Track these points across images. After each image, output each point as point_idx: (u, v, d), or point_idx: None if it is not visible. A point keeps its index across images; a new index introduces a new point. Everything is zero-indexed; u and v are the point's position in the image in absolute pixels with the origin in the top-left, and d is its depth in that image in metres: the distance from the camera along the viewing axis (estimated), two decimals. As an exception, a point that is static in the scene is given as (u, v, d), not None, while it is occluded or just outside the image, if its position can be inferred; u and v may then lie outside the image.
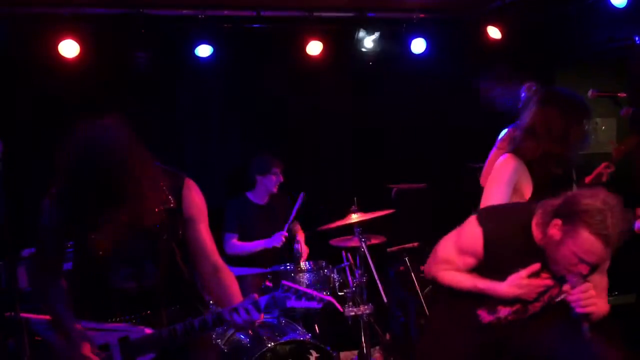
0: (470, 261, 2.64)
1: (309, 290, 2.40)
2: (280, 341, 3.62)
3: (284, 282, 2.42)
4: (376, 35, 5.12)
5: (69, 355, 2.39)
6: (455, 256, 2.68)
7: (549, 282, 2.51)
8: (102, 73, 4.65)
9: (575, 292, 2.39)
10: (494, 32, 5.19)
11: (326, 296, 2.43)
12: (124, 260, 2.43)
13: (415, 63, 5.37)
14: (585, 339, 2.42)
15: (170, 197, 2.44)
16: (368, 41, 5.15)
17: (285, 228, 4.62)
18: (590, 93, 3.72)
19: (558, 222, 2.42)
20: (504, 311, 2.63)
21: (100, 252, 2.40)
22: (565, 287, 2.45)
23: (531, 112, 3.29)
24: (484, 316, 2.66)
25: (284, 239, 4.59)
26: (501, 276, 2.56)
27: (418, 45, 5.28)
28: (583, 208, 2.35)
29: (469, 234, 2.64)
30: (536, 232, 2.52)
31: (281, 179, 4.76)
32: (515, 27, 5.17)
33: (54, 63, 4.57)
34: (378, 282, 4.29)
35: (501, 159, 3.33)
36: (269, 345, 3.58)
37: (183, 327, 2.39)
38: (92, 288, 2.48)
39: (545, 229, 2.46)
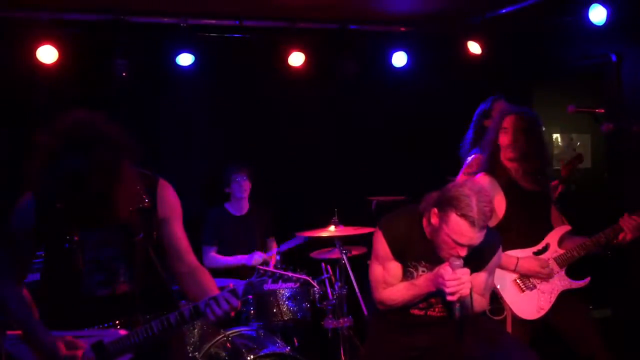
0: (393, 266, 2.82)
1: (284, 272, 2.43)
2: (260, 354, 3.57)
3: (259, 267, 2.44)
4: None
5: None
6: (381, 270, 2.86)
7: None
8: (81, 80, 4.58)
9: (448, 279, 2.58)
10: (474, 47, 5.24)
11: (302, 275, 2.46)
12: (98, 264, 2.38)
13: (397, 76, 5.40)
14: (455, 318, 2.62)
15: (144, 196, 2.41)
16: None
17: (274, 251, 4.66)
18: (569, 108, 3.78)
19: (435, 210, 2.68)
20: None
21: (76, 255, 2.35)
22: (444, 267, 2.63)
23: (502, 134, 3.34)
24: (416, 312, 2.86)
25: (262, 260, 4.61)
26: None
27: (399, 59, 5.32)
28: (452, 194, 2.62)
29: (376, 241, 2.87)
30: (425, 224, 2.79)
31: (247, 183, 4.75)
32: (495, 43, 5.23)
33: (32, 68, 4.48)
34: (359, 294, 4.28)
35: (475, 178, 3.38)
36: (248, 358, 3.53)
37: (159, 323, 2.35)
38: (64, 297, 2.40)
39: (429, 219, 2.73)
